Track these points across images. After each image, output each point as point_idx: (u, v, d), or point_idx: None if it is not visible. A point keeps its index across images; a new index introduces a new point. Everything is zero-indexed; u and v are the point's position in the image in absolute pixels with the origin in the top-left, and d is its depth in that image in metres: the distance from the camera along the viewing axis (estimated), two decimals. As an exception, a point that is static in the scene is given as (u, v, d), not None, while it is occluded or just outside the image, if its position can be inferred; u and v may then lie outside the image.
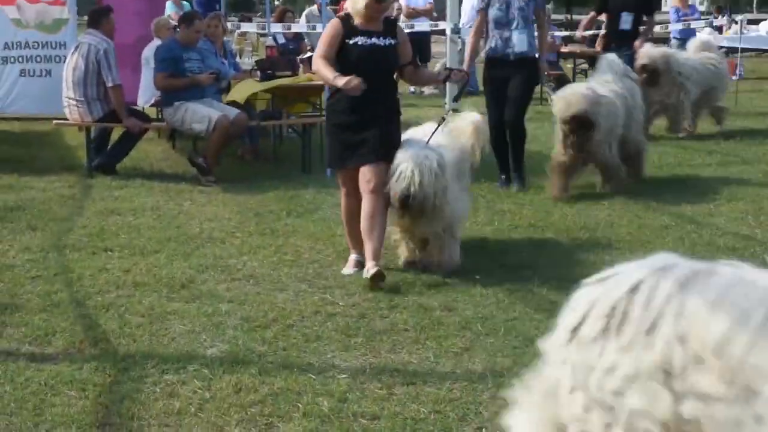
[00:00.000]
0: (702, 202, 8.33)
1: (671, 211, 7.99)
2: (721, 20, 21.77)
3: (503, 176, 9.06)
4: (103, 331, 5.10)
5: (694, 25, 17.66)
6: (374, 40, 6.18)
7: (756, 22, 24.44)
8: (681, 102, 11.80)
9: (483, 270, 6.26)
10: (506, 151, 9.00)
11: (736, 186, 8.92)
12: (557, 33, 17.39)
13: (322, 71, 6.17)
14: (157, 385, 4.37)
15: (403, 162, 5.97)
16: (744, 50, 18.87)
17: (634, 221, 7.60)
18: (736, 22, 20.95)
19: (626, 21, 10.88)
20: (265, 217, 7.84)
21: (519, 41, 8.79)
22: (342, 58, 6.16)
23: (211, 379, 4.43)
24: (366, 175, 6.09)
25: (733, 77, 19.36)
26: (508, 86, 8.82)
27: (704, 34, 12.61)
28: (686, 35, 17.85)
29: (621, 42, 11.00)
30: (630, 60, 10.55)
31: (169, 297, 5.71)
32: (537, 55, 9.03)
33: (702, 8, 21.03)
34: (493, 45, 8.90)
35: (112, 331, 5.10)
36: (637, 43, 11.39)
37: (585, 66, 17.72)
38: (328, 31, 6.29)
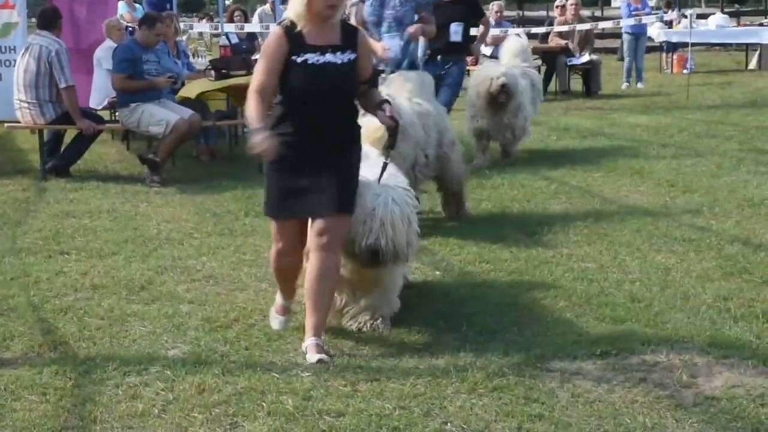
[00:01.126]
0: (658, 194, 8.41)
1: (627, 204, 8.06)
2: (671, 15, 21.93)
3: None
4: (63, 335, 5.04)
5: (645, 20, 17.82)
6: (329, 56, 4.76)
7: (705, 16, 24.70)
8: (518, 120, 10.07)
9: (442, 265, 6.28)
10: None
11: (690, 178, 9.01)
12: (511, 29, 17.43)
13: (249, 112, 4.74)
14: (119, 388, 4.32)
15: (368, 210, 4.87)
16: (694, 44, 19.06)
17: (591, 215, 7.65)
18: (686, 17, 21.17)
19: (456, 32, 9.59)
20: (223, 217, 7.79)
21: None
22: (287, 80, 4.76)
23: (174, 380, 4.39)
24: (319, 227, 4.72)
25: (684, 71, 19.60)
26: None
27: (514, 39, 11.37)
28: (638, 30, 18.03)
29: (451, 55, 9.50)
30: (461, 73, 9.77)
31: (128, 299, 5.66)
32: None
33: (651, 3, 21.17)
34: None
35: (71, 335, 5.04)
36: (473, 56, 11.59)
37: (538, 62, 17.84)
38: (267, 47, 4.87)
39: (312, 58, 4.72)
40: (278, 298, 5.21)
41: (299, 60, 4.71)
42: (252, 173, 9.61)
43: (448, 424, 3.95)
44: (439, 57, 9.19)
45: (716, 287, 5.70)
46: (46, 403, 4.17)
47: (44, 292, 5.78)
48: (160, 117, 9.23)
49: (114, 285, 5.92)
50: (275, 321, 5.16)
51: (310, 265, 4.80)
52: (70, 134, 9.92)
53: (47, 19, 9.73)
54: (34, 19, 10.54)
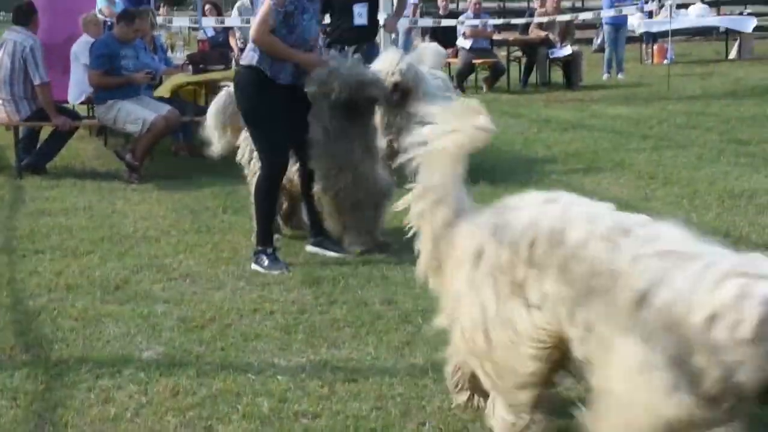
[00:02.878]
0: (638, 186, 8.39)
1: (608, 197, 7.91)
2: (651, 5, 21.93)
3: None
4: (35, 337, 4.96)
5: (626, 11, 17.79)
6: None
7: (685, 6, 24.70)
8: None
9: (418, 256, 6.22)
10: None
11: (670, 170, 8.99)
12: (490, 21, 17.40)
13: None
14: (92, 391, 4.25)
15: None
16: (674, 34, 19.08)
17: (572, 208, 7.60)
18: (663, 5, 21.20)
19: (360, 14, 8.87)
20: (201, 214, 7.73)
21: None
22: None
23: (148, 382, 4.32)
24: None
25: (665, 62, 19.61)
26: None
27: (433, 45, 10.47)
28: (618, 21, 18.01)
29: (356, 39, 8.64)
30: (368, 59, 7.87)
31: (102, 299, 5.58)
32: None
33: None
34: None
35: (44, 336, 4.97)
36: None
37: (518, 53, 17.83)
38: None
39: None
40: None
41: None
42: (231, 169, 9.53)
43: (426, 424, 3.90)
44: (343, 46, 7.62)
45: (696, 281, 5.65)
46: (16, 408, 4.09)
47: (17, 293, 5.70)
48: (136, 115, 9.15)
49: (89, 285, 5.84)
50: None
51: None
52: (46, 131, 9.82)
53: (22, 15, 9.64)
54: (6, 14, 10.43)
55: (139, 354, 4.73)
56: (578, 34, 20.08)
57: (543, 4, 17.71)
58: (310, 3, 6.22)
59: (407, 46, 18.76)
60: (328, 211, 6.52)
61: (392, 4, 10.06)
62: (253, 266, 6.15)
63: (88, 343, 4.87)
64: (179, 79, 10.34)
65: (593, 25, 24.33)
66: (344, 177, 6.35)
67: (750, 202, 7.66)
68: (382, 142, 7.28)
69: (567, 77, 17.13)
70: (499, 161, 9.70)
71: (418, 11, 19.11)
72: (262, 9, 6.11)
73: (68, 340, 4.92)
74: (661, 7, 22.11)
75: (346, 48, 7.28)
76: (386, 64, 7.97)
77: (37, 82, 9.23)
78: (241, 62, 6.43)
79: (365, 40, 8.90)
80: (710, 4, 25.60)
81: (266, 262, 6.13)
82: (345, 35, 8.73)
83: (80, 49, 10.75)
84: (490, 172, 9.04)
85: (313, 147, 6.29)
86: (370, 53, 8.56)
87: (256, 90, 6.12)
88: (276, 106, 6.08)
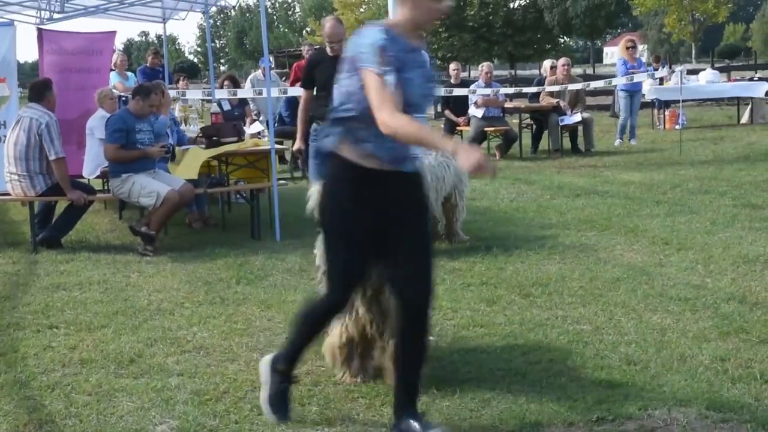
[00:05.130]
0: (652, 252, 8.37)
1: (622, 263, 8.01)
2: (662, 71, 22.11)
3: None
4: (49, 413, 4.94)
5: (638, 78, 17.88)
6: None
7: (696, 71, 24.87)
8: None
9: (436, 330, 6.18)
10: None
11: (684, 235, 8.97)
12: (502, 90, 17.53)
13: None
14: (105, 467, 4.22)
15: None
16: (685, 100, 19.18)
17: (586, 274, 7.60)
18: (674, 72, 21.35)
19: None
20: (214, 285, 7.73)
21: None
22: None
23: (161, 457, 4.30)
24: None
25: (676, 127, 19.68)
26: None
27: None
28: (633, 88, 18.10)
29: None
30: None
31: (116, 373, 5.57)
32: None
33: (643, 59, 21.33)
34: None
35: (57, 412, 4.94)
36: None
37: (529, 121, 17.93)
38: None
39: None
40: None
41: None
42: (244, 240, 9.60)
43: (442, 497, 3.86)
44: (318, 123, 7.70)
45: (713, 347, 5.62)
46: (29, 485, 4.07)
47: (31, 368, 5.69)
48: (151, 188, 9.22)
49: (103, 359, 5.83)
50: None
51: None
52: (62, 205, 9.90)
53: (37, 92, 9.75)
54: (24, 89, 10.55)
55: (153, 428, 4.70)
56: (590, 100, 20.20)
57: (553, 73, 17.84)
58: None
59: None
60: None
61: None
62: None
63: (102, 419, 4.85)
64: (196, 155, 10.41)
65: (606, 92, 24.49)
66: None
67: (766, 267, 7.63)
68: None
69: (573, 144, 17.23)
70: (512, 228, 9.71)
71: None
72: (372, 84, 4.16)
73: (82, 415, 4.89)
74: (671, 73, 22.27)
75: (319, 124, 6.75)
76: None
77: (52, 157, 9.32)
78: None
79: None
80: (721, 70, 25.79)
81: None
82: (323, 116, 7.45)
83: (96, 123, 10.88)
84: (503, 239, 9.06)
85: None
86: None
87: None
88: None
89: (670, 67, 26.34)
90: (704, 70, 24.70)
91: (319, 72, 8.90)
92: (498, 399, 4.93)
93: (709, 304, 6.57)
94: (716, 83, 22.77)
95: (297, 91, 11.96)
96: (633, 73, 17.78)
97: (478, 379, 5.24)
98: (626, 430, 4.45)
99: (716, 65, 35.26)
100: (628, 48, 18.35)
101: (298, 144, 9.39)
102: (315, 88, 9.12)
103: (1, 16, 13.30)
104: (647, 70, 19.65)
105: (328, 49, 9.01)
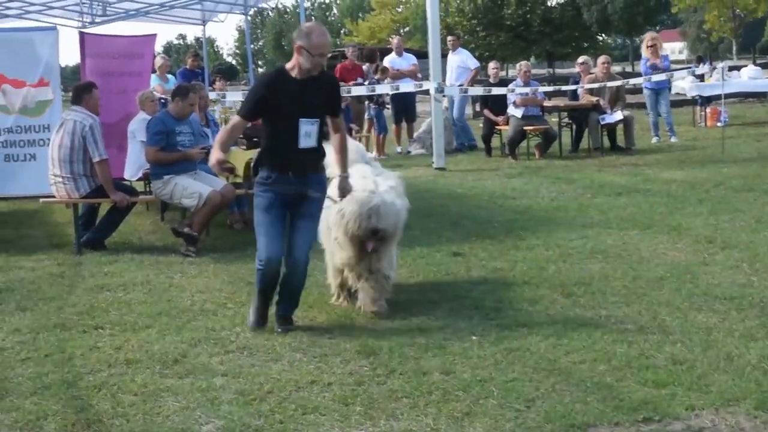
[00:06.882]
0: (696, 251, 8.29)
1: (665, 262, 7.94)
2: (702, 69, 21.93)
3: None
4: (96, 412, 4.99)
5: (656, 78, 17.63)
6: None
7: (737, 68, 24.63)
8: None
9: (479, 330, 6.18)
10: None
11: (729, 234, 8.89)
12: (541, 88, 17.45)
13: None
14: (152, 467, 4.25)
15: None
16: (727, 97, 18.99)
17: (629, 273, 7.54)
18: (715, 68, 21.17)
19: (308, 134, 6.37)
20: (256, 286, 7.74)
21: None
22: None
23: (208, 457, 4.32)
24: None
25: (718, 124, 19.49)
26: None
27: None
28: (657, 86, 17.94)
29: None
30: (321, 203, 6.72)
31: (162, 373, 5.61)
32: None
33: (682, 57, 21.15)
34: None
35: (104, 412, 4.99)
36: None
37: (568, 120, 17.83)
38: None
39: None
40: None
41: None
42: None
43: (488, 497, 3.85)
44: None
45: (760, 347, 5.55)
46: (78, 485, 4.11)
47: (78, 369, 5.74)
48: (192, 189, 9.28)
49: (148, 359, 5.87)
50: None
51: None
52: (105, 207, 9.98)
53: (80, 94, 9.84)
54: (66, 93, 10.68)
55: (199, 428, 4.73)
56: (630, 98, 20.04)
57: (585, 70, 17.71)
58: None
59: (460, 114, 18.91)
60: None
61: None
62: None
63: (148, 418, 4.89)
64: (240, 157, 10.45)
65: (638, 90, 24.30)
66: None
67: (812, 265, 7.54)
68: None
69: (612, 142, 17.08)
70: (554, 227, 9.66)
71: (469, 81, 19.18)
72: None
73: (128, 415, 4.94)
74: (713, 69, 22.07)
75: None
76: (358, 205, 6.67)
77: (96, 159, 9.40)
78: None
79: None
80: (763, 66, 25.52)
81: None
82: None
83: (137, 126, 10.96)
84: (545, 237, 9.02)
85: None
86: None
87: None
88: None
89: (711, 64, 26.10)
90: (746, 66, 24.45)
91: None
92: (543, 399, 4.91)
93: (756, 302, 6.50)
94: (758, 79, 22.52)
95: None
96: (653, 72, 17.59)
97: (523, 379, 5.22)
98: (673, 430, 4.42)
99: (758, 61, 34.87)
100: (648, 47, 18.19)
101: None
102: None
103: (44, 20, 13.46)
104: (670, 68, 19.33)
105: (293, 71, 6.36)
